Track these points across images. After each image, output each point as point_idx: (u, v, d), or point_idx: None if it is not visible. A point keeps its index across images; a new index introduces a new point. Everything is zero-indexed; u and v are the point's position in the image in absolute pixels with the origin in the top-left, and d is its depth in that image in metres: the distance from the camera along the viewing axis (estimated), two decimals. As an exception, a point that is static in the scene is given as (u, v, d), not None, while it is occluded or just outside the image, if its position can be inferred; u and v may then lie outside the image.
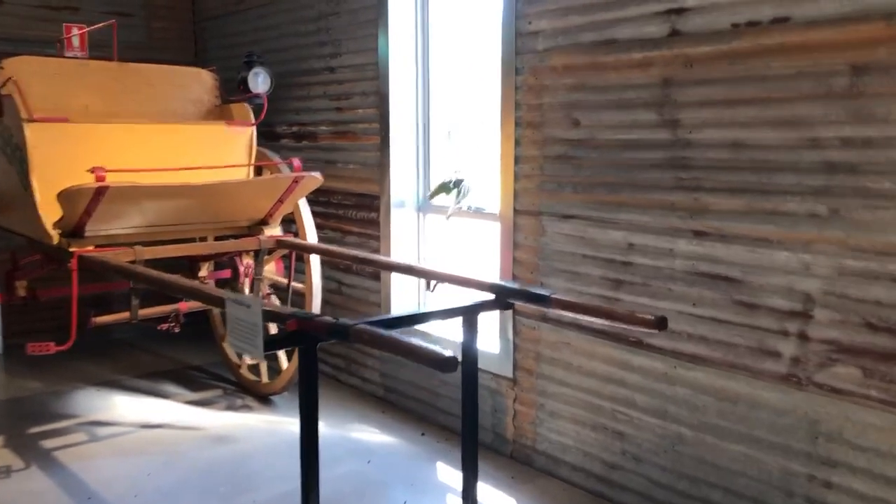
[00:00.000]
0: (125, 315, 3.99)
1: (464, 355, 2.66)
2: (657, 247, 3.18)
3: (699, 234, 3.03)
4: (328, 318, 2.07)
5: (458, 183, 4.02)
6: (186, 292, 2.74)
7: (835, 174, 2.61)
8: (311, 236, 4.26)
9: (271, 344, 2.12)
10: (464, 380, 2.74)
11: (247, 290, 4.39)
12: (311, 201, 4.85)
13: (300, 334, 2.11)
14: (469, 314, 2.58)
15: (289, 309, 2.27)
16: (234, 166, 3.99)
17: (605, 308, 2.33)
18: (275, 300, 4.35)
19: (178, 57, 5.91)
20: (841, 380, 2.65)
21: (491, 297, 2.66)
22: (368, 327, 1.95)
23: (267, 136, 5.47)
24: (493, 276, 3.79)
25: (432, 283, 2.90)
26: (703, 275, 3.03)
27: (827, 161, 2.63)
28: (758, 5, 2.77)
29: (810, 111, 2.66)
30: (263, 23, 5.55)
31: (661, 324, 2.17)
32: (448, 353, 1.78)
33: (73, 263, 3.51)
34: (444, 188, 4.23)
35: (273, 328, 2.66)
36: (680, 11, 3.02)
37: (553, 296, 2.43)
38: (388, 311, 4.59)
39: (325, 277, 4.69)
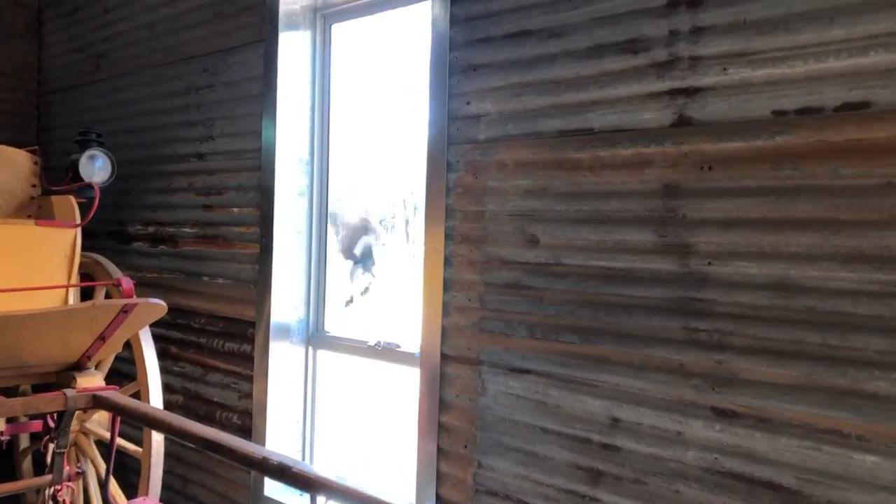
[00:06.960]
0: None
1: None
2: (658, 427, 2.17)
3: (725, 415, 2.04)
4: None
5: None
6: None
7: (958, 342, 1.69)
8: (153, 385, 3.01)
9: None
10: None
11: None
12: (167, 324, 3.66)
13: None
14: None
15: None
16: (30, 289, 2.70)
17: None
18: (94, 470, 3.05)
19: (14, 135, 4.79)
20: None
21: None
22: None
23: (117, 238, 4.27)
24: (411, 470, 2.68)
25: (319, 499, 1.77)
26: (733, 476, 2.03)
27: (943, 320, 1.71)
28: (816, 85, 1.89)
29: (911, 243, 1.76)
30: (121, 96, 4.42)
31: None
32: None
33: None
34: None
35: None
36: (691, 92, 2.11)
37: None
38: (261, 486, 3.37)
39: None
